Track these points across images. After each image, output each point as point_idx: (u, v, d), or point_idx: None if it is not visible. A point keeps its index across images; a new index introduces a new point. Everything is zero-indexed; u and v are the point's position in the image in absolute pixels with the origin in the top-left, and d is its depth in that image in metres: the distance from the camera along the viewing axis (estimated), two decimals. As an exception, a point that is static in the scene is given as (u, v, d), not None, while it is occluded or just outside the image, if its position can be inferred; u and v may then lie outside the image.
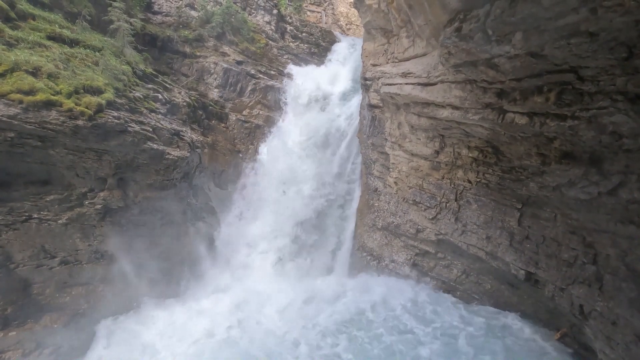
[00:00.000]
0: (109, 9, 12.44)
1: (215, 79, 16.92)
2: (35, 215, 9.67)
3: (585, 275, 7.52)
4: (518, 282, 9.51)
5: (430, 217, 11.42)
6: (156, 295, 12.17)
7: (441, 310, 9.89)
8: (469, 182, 10.18)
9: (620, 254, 6.81)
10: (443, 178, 11.04)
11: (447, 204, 10.93)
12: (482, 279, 10.83)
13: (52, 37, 10.47)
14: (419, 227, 11.91)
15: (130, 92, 11.21)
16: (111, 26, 12.56)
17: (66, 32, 10.85)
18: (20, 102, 8.52)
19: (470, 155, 9.74)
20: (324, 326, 9.69)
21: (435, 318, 9.57)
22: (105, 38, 12.26)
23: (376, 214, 13.73)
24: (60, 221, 9.98)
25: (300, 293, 12.25)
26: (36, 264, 9.75)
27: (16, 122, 8.48)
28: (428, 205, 11.48)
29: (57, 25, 10.84)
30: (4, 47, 9.11)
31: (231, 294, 12.93)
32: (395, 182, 12.78)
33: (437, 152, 10.89)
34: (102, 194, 10.62)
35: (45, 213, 9.82)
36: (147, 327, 10.93)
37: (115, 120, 9.92)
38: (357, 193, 15.71)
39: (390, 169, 12.99)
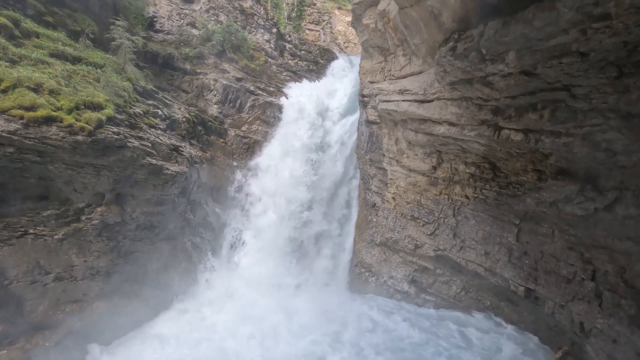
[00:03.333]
0: (112, 27, 12.68)
1: (214, 95, 17.12)
2: (31, 231, 9.58)
3: (584, 292, 7.48)
4: (518, 299, 9.43)
5: (429, 233, 11.40)
6: (152, 313, 11.97)
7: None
8: (467, 197, 10.21)
9: (618, 270, 6.80)
10: (441, 194, 11.08)
11: (445, 220, 10.93)
12: (481, 296, 10.73)
13: (55, 55, 10.63)
14: (418, 242, 11.87)
15: (131, 108, 11.32)
16: (113, 43, 12.78)
17: (69, 50, 11.03)
18: (21, 117, 8.58)
19: (467, 171, 9.81)
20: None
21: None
22: (107, 55, 12.45)
23: (374, 229, 13.69)
24: (56, 237, 9.88)
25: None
26: (30, 280, 9.59)
27: (16, 138, 8.51)
28: (426, 220, 11.47)
29: (60, 43, 11.02)
30: (7, 64, 9.24)
31: (227, 311, 12.72)
32: (393, 198, 12.80)
33: (435, 168, 10.96)
34: (99, 209, 10.57)
35: (41, 228, 9.73)
36: (144, 348, 10.68)
37: (115, 136, 9.98)
38: (355, 208, 15.70)
39: (388, 185, 13.04)
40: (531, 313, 9.48)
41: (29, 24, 10.57)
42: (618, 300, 6.81)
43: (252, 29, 20.53)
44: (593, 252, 7.32)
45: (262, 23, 20.96)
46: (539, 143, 6.72)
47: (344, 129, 17.62)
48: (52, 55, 10.54)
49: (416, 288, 12.36)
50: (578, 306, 7.60)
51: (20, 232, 9.43)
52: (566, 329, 8.19)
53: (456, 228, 10.66)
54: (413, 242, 12.03)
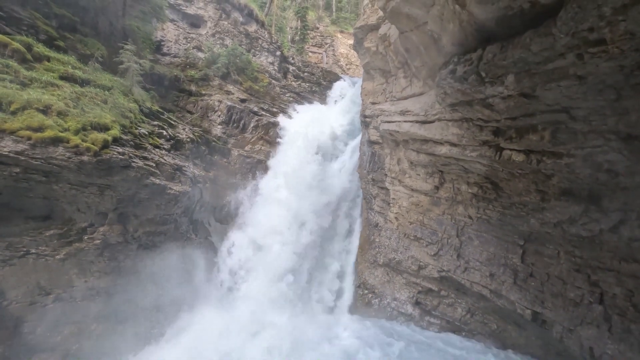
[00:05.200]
0: (121, 51, 13.07)
1: (219, 116, 17.40)
2: (33, 251, 9.58)
3: (593, 316, 7.30)
4: (525, 323, 9.20)
5: (432, 254, 11.27)
6: (153, 335, 11.75)
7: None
8: (470, 217, 10.14)
9: (626, 293, 6.66)
10: (444, 214, 11.01)
11: (449, 240, 10.82)
12: (487, 319, 10.48)
13: (65, 77, 10.92)
14: (421, 263, 11.72)
15: (136, 128, 11.51)
16: (121, 67, 13.14)
17: (78, 73, 11.33)
18: (29, 138, 8.74)
19: (470, 191, 9.79)
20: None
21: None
22: (115, 78, 12.77)
23: (377, 249, 13.56)
24: (57, 257, 9.86)
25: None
26: (30, 301, 9.50)
27: (23, 158, 8.65)
28: (429, 241, 11.36)
29: (69, 66, 11.33)
30: (18, 86, 9.49)
31: (228, 333, 12.45)
32: (396, 218, 12.73)
33: (437, 188, 10.94)
34: (102, 228, 10.59)
35: (43, 248, 9.73)
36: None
37: (120, 156, 10.11)
38: (358, 228, 15.61)
39: (391, 204, 12.99)
40: (539, 337, 9.23)
41: (40, 48, 10.90)
42: (628, 325, 6.63)
43: (257, 52, 21.08)
44: (600, 274, 7.19)
45: (267, 46, 21.53)
46: (540, 164, 6.72)
47: (347, 150, 17.76)
48: (61, 78, 10.83)
49: (420, 310, 12.10)
50: (587, 331, 7.40)
51: (22, 252, 9.42)
52: (576, 355, 7.94)
53: (460, 249, 10.53)
54: (416, 263, 11.87)
